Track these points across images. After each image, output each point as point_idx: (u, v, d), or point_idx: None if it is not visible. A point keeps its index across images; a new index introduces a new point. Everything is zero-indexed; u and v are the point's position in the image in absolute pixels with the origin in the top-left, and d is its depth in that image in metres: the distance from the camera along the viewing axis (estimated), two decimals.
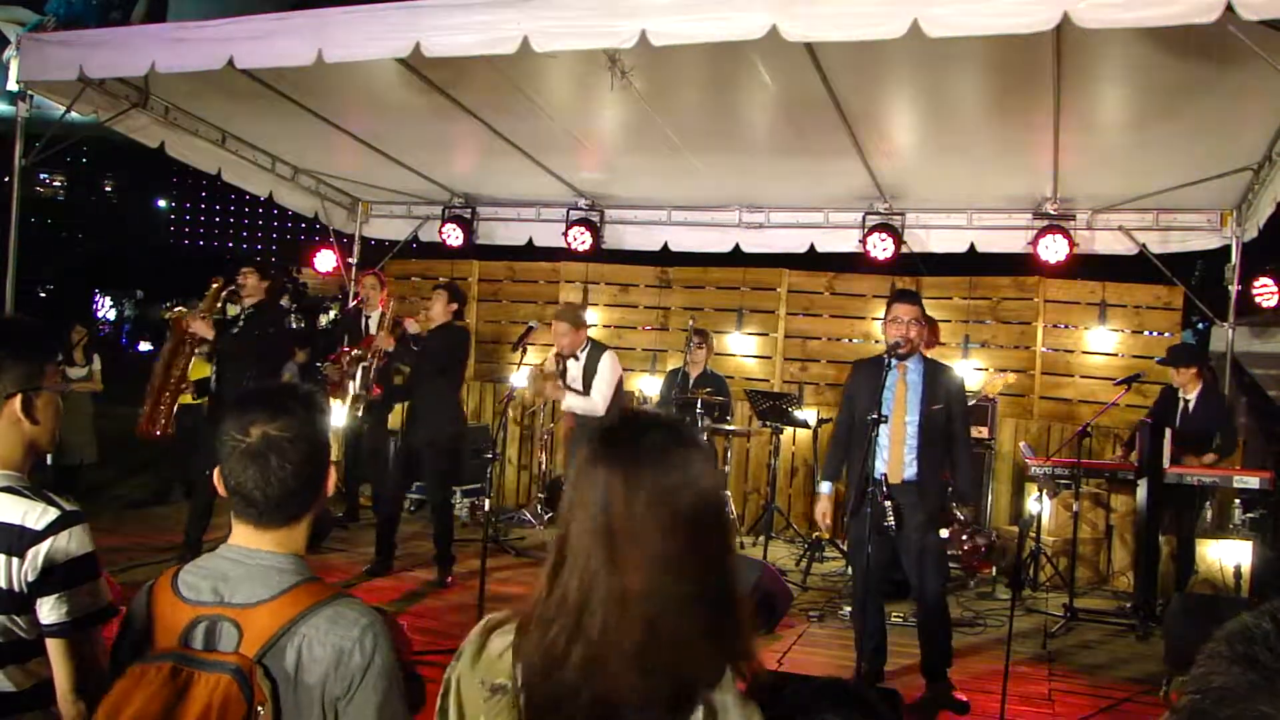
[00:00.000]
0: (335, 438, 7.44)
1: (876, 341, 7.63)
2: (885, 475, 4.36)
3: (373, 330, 7.39)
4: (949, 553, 5.39)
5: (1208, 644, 0.76)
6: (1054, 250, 6.85)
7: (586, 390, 5.97)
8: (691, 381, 7.10)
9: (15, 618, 1.77)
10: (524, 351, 6.51)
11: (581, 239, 8.15)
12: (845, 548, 6.40)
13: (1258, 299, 6.87)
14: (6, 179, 6.32)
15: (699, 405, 6.73)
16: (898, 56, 4.79)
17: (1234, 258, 6.72)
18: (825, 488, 4.65)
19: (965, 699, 4.39)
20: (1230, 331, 6.88)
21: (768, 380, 8.23)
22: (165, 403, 5.81)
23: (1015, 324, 7.77)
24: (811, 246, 7.92)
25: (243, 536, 1.56)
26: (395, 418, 7.30)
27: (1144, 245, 6.98)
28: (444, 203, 8.68)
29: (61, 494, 1.87)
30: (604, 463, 1.30)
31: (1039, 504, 6.12)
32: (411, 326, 6.63)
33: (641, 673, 1.23)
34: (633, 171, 7.54)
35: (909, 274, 8.02)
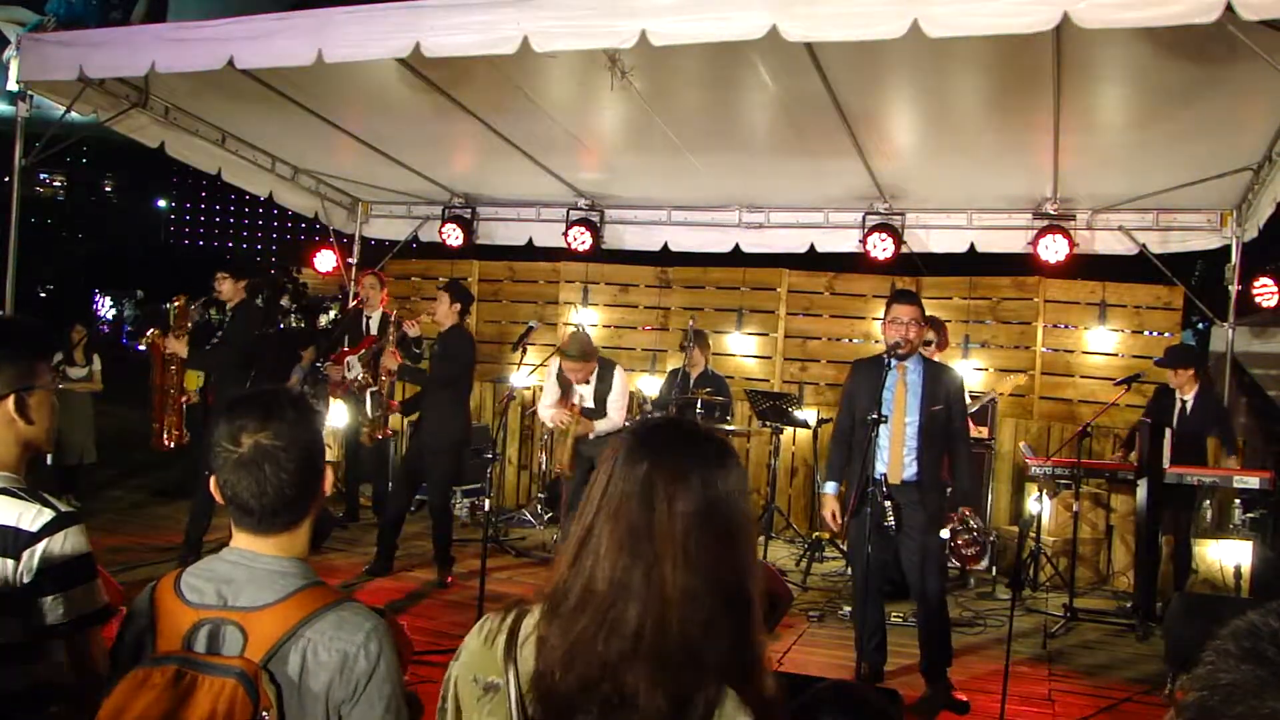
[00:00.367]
0: (335, 438, 7.44)
1: (876, 341, 7.62)
2: (885, 475, 4.36)
3: (373, 330, 7.40)
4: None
5: (1214, 642, 0.76)
6: (1054, 250, 6.85)
7: (600, 407, 5.99)
8: (692, 382, 7.10)
9: (12, 620, 1.76)
10: (524, 351, 6.51)
11: (581, 239, 8.15)
12: (845, 548, 6.40)
13: (1258, 299, 6.88)
14: (6, 179, 6.32)
15: (699, 405, 6.72)
16: (898, 56, 4.78)
17: (1234, 258, 6.72)
18: (830, 488, 4.65)
19: (965, 699, 4.40)
20: (1230, 331, 6.87)
21: (768, 380, 8.23)
22: (172, 415, 5.85)
23: (1015, 324, 7.77)
24: (811, 246, 7.92)
25: (244, 541, 1.56)
26: (394, 418, 7.30)
27: (1144, 245, 6.97)
28: (444, 203, 8.68)
29: (59, 494, 1.87)
30: (650, 463, 1.29)
31: (1039, 504, 6.12)
32: (411, 329, 6.63)
33: (666, 677, 1.22)
34: (633, 171, 7.54)
35: (909, 274, 8.02)
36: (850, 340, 8.20)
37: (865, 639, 4.53)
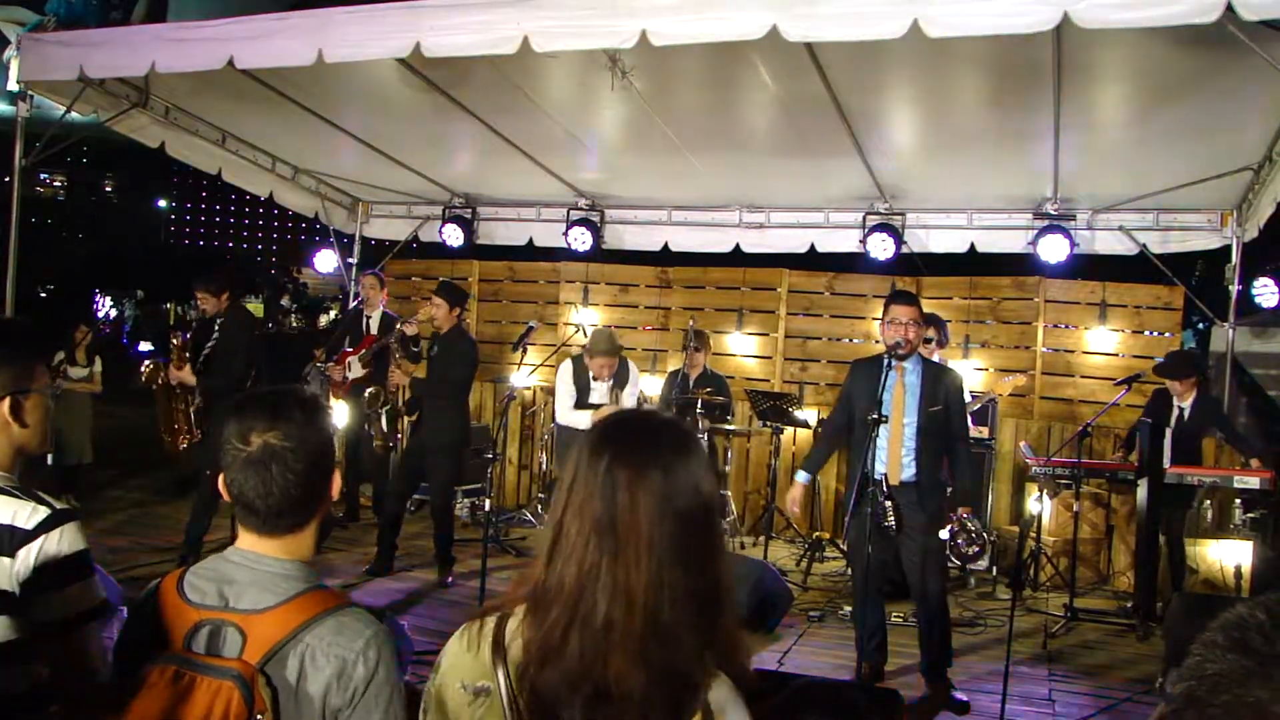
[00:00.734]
0: (336, 438, 7.43)
1: (876, 341, 7.62)
2: (885, 475, 4.36)
3: (373, 330, 7.40)
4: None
5: (1203, 634, 0.77)
6: (1054, 250, 6.85)
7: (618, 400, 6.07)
8: (692, 382, 7.10)
9: (10, 619, 1.76)
10: (524, 351, 6.52)
11: (581, 239, 8.15)
12: (845, 548, 6.40)
13: (1258, 299, 6.87)
14: (6, 179, 6.32)
15: (699, 405, 6.73)
16: (898, 56, 4.78)
17: (1234, 258, 6.72)
18: (802, 476, 4.67)
19: (965, 699, 4.40)
20: (1230, 331, 6.88)
21: (768, 380, 8.23)
22: (182, 423, 5.82)
23: (1015, 324, 7.77)
24: (811, 246, 7.92)
25: (248, 542, 1.55)
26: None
27: (1144, 245, 6.97)
28: (444, 203, 8.68)
29: (59, 495, 1.86)
30: (611, 456, 1.32)
31: (1039, 504, 6.12)
32: (409, 328, 6.63)
33: (642, 666, 1.24)
34: (633, 171, 7.54)
35: (909, 274, 8.02)
36: (850, 340, 8.20)
37: (865, 639, 4.53)
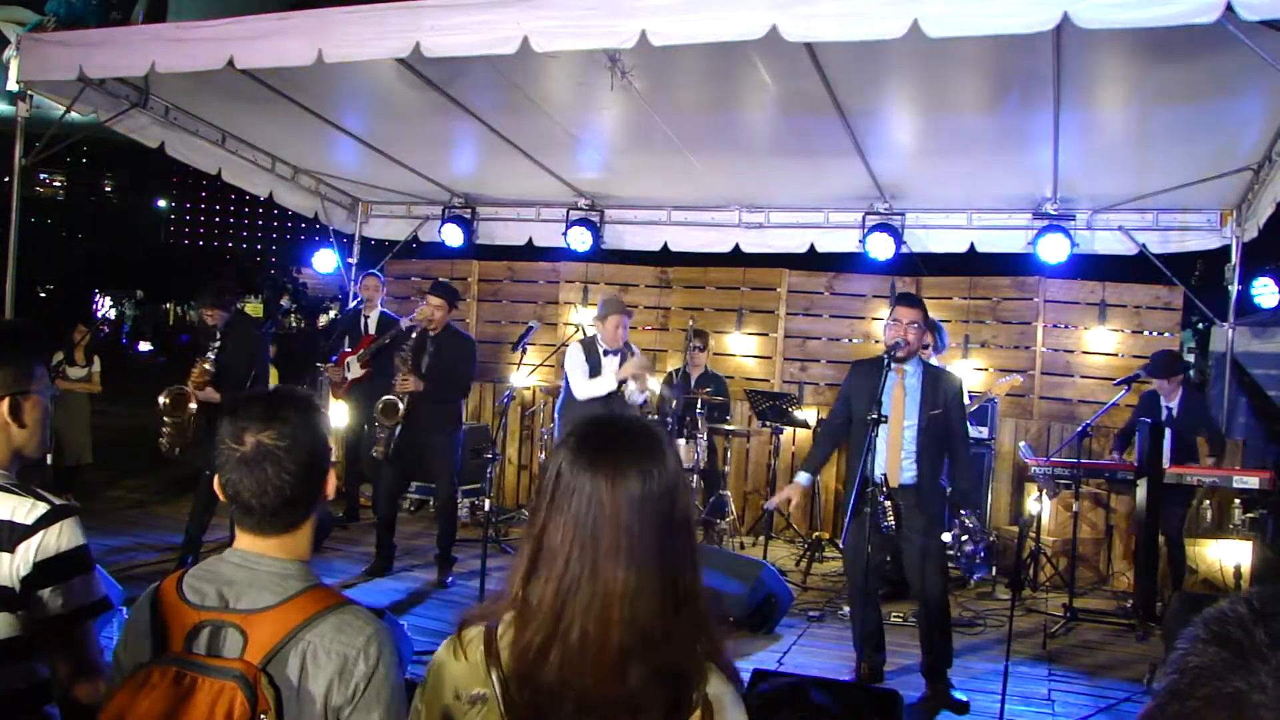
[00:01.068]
0: (335, 438, 7.45)
1: (876, 341, 7.63)
2: (885, 476, 4.36)
3: (371, 330, 7.40)
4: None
5: (1187, 629, 0.77)
6: (1054, 250, 6.85)
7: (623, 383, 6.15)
8: (693, 382, 7.11)
9: (10, 614, 1.77)
10: (524, 351, 6.52)
11: (581, 239, 8.15)
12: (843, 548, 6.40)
13: (1257, 299, 6.88)
14: (6, 179, 6.31)
15: (699, 405, 6.73)
16: (898, 56, 4.78)
17: (1234, 258, 6.72)
18: (803, 478, 4.65)
19: (965, 699, 4.40)
20: (1230, 331, 6.88)
21: (768, 380, 8.23)
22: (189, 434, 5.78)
23: (1015, 324, 7.77)
24: (811, 246, 7.92)
25: (246, 542, 1.56)
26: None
27: (1144, 245, 6.98)
28: (444, 203, 8.68)
29: (60, 495, 1.86)
30: (587, 467, 1.33)
31: (1039, 504, 6.12)
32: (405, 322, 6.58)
33: (624, 676, 1.25)
34: (633, 171, 7.54)
35: (909, 274, 8.02)
36: (850, 340, 8.20)
37: (864, 640, 4.53)
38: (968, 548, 5.99)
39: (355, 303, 8.13)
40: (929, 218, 7.50)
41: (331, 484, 1.61)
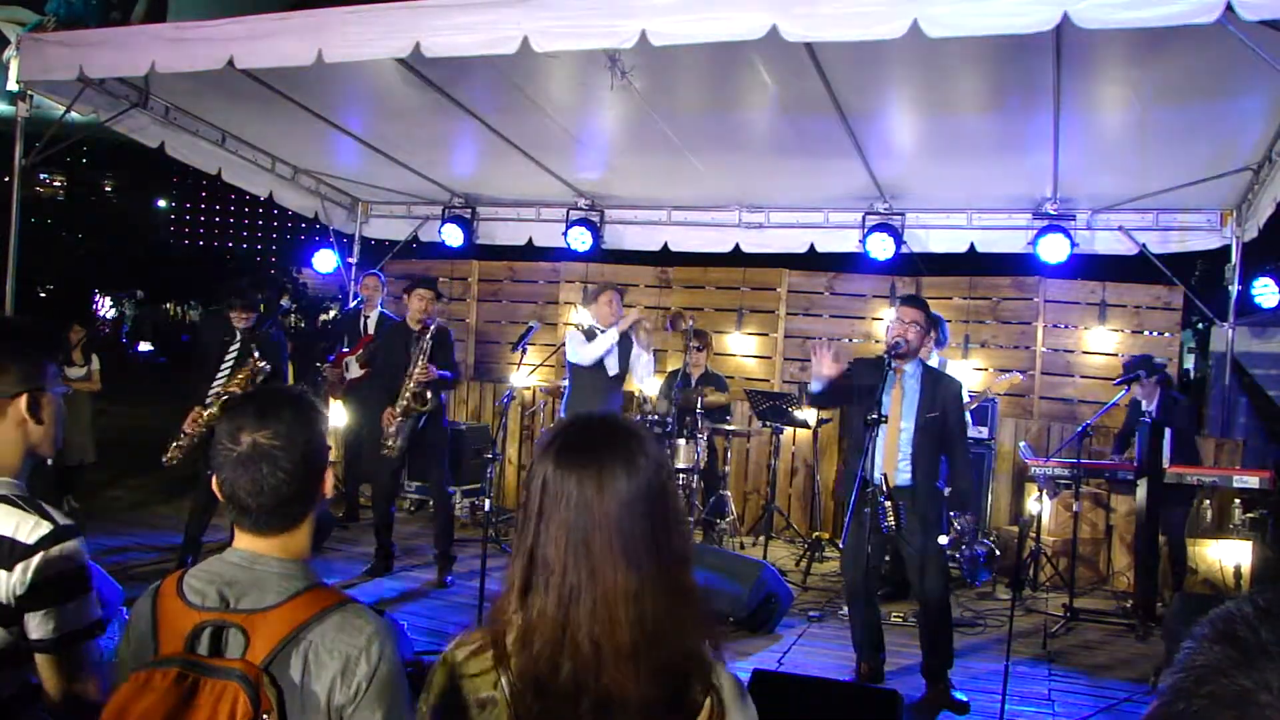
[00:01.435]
0: (335, 438, 7.44)
1: (877, 341, 7.63)
2: (885, 476, 4.36)
3: (370, 330, 7.40)
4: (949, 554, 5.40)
5: (1193, 629, 0.77)
6: (1054, 250, 6.85)
7: (624, 368, 6.22)
8: (694, 382, 7.10)
9: (4, 630, 1.75)
10: (524, 351, 6.51)
11: (581, 239, 8.16)
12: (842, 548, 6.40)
13: (1258, 299, 6.88)
14: (6, 179, 6.31)
15: (699, 405, 6.73)
16: (898, 56, 4.79)
17: (1234, 258, 6.72)
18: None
19: (965, 699, 4.40)
20: (1230, 331, 6.88)
21: (768, 380, 8.23)
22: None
23: (1015, 324, 7.77)
24: (811, 246, 7.92)
25: (245, 542, 1.56)
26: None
27: (1144, 245, 6.98)
28: (444, 203, 8.68)
29: (59, 495, 1.86)
30: (573, 472, 1.33)
31: (1039, 504, 6.12)
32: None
33: (641, 672, 1.25)
34: (633, 171, 7.55)
35: (909, 274, 8.03)
36: (850, 340, 8.20)
37: (864, 640, 4.53)
38: (967, 552, 6.01)
39: (355, 303, 8.13)
40: (929, 218, 7.50)
41: (329, 483, 1.61)
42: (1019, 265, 7.78)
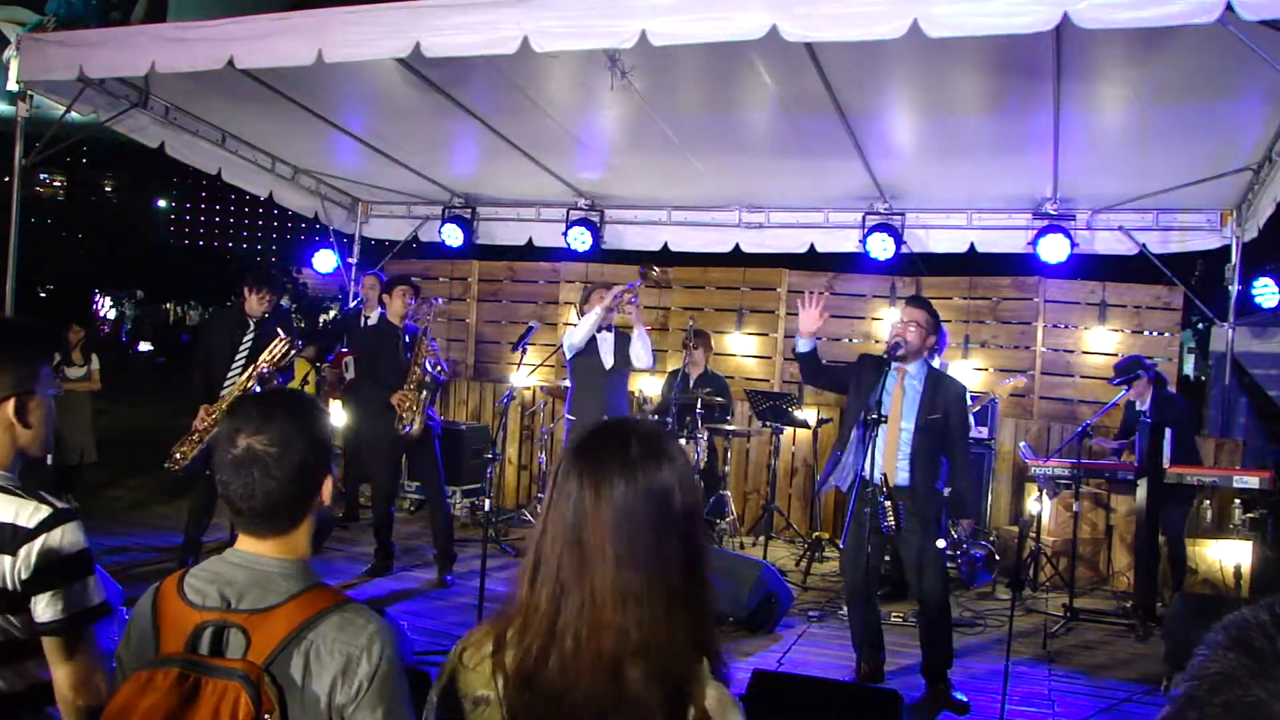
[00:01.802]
0: (335, 438, 7.43)
1: (877, 341, 7.63)
2: (885, 476, 4.36)
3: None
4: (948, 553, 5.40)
5: (1207, 635, 0.77)
6: (1054, 250, 6.85)
7: (623, 361, 6.10)
8: (692, 382, 7.10)
9: (9, 617, 1.77)
10: (524, 352, 6.52)
11: (581, 239, 8.16)
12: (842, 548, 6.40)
13: (1258, 299, 6.88)
14: (6, 179, 6.31)
15: (699, 405, 6.73)
16: (898, 56, 4.79)
17: (1234, 258, 6.72)
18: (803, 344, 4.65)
19: (965, 699, 4.40)
20: (1230, 331, 6.88)
21: (768, 380, 8.23)
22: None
23: (1015, 324, 7.77)
24: (811, 246, 7.92)
25: (246, 543, 1.56)
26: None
27: (1144, 245, 6.98)
28: (444, 203, 8.68)
29: (60, 494, 1.87)
30: (576, 474, 1.35)
31: (1039, 504, 6.12)
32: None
33: (625, 677, 1.26)
34: (633, 171, 7.55)
35: (909, 274, 8.02)
36: (850, 340, 8.20)
37: (864, 640, 4.53)
38: (964, 555, 6.01)
39: (355, 303, 8.13)
40: (929, 218, 7.50)
41: (328, 489, 1.61)
42: (1019, 265, 7.78)
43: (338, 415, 7.40)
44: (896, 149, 6.47)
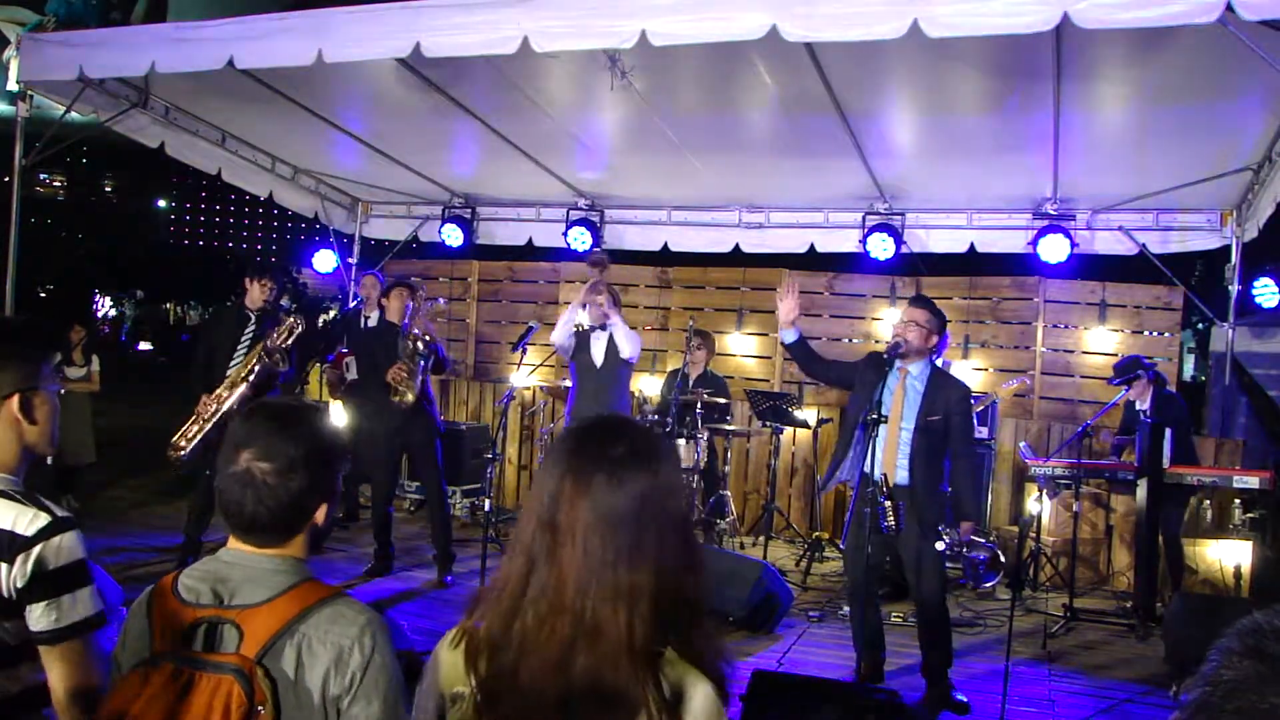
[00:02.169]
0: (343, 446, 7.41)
1: (877, 341, 7.63)
2: (885, 475, 4.36)
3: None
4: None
5: (1219, 640, 0.76)
6: (1054, 250, 6.85)
7: (613, 358, 6.19)
8: (691, 382, 7.10)
9: (4, 624, 1.76)
10: (524, 352, 6.51)
11: (581, 239, 8.16)
12: (843, 547, 6.40)
13: (1258, 299, 6.87)
14: (6, 179, 6.31)
15: (699, 405, 6.73)
16: (898, 56, 4.79)
17: (1234, 258, 6.72)
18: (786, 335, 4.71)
19: (965, 699, 4.40)
20: (1230, 331, 6.88)
21: (768, 380, 8.23)
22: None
23: (1015, 324, 7.77)
24: (811, 246, 7.92)
25: (238, 543, 1.57)
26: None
27: (1144, 245, 6.98)
28: (444, 203, 8.68)
29: (58, 494, 1.86)
30: (559, 463, 1.38)
31: (1039, 504, 6.12)
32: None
33: (573, 666, 1.28)
34: (633, 171, 7.55)
35: (909, 274, 8.02)
36: (850, 340, 8.20)
37: (864, 640, 4.53)
38: (966, 555, 6.00)
39: (355, 303, 8.13)
40: (929, 218, 7.50)
41: (323, 514, 1.60)
42: (1019, 265, 7.77)
43: (338, 415, 7.40)
44: (896, 149, 6.46)
